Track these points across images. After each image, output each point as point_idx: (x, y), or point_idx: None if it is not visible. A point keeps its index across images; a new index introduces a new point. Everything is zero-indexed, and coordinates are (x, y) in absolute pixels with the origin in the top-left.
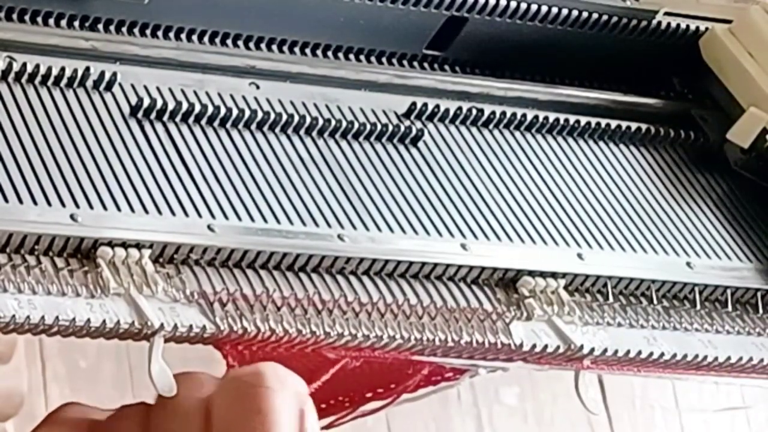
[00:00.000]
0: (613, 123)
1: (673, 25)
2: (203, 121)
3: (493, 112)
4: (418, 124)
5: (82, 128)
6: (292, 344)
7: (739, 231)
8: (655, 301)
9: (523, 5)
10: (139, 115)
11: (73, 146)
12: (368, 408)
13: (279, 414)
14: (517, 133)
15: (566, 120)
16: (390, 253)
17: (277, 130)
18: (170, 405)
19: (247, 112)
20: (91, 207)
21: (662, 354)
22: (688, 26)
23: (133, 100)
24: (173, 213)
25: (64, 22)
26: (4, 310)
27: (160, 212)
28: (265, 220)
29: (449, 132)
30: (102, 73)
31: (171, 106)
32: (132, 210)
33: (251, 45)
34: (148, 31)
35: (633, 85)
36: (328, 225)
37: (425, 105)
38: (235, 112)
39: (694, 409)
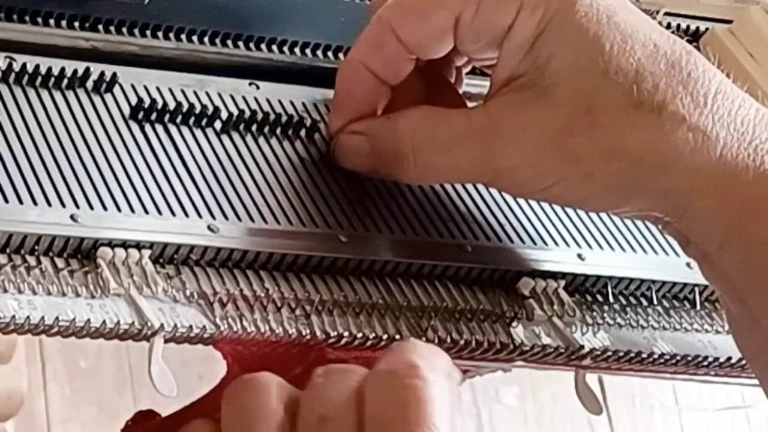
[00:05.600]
0: None
1: (674, 25)
2: (203, 122)
3: None
4: None
5: (82, 129)
6: (292, 344)
7: None
8: (655, 301)
9: None
10: (139, 115)
11: (74, 147)
12: None
13: (436, 403)
14: None
15: None
16: (390, 253)
17: (278, 130)
18: (319, 395)
19: (247, 112)
20: (91, 207)
21: (662, 354)
22: (688, 26)
23: (134, 101)
24: (173, 213)
25: (64, 22)
26: (4, 311)
27: (160, 213)
28: (265, 221)
29: None
30: (102, 74)
31: (171, 106)
32: (132, 210)
33: (251, 45)
34: (148, 31)
35: None
36: (328, 225)
37: None
38: (235, 112)
39: (694, 408)
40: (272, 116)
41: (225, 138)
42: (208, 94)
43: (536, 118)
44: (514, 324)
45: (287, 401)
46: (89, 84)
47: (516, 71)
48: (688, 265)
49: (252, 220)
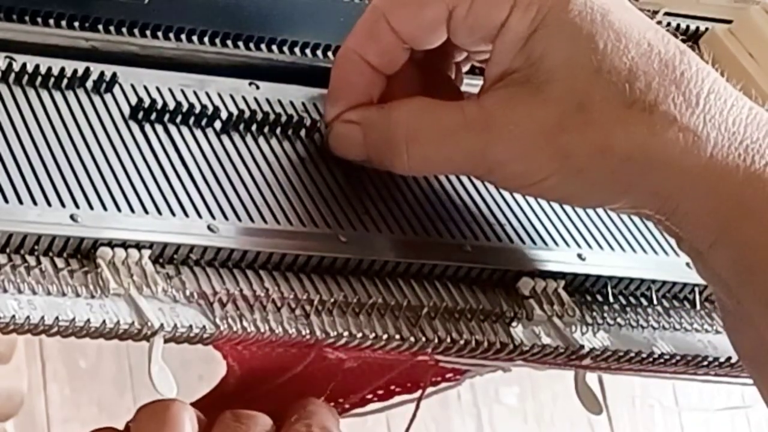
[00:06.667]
0: None
1: (673, 25)
2: (203, 122)
3: None
4: None
5: (82, 129)
6: (292, 344)
7: None
8: (655, 301)
9: None
10: (139, 115)
11: (73, 147)
12: (368, 408)
13: None
14: None
15: None
16: (390, 253)
17: (278, 130)
18: None
19: (247, 112)
20: (91, 207)
21: (662, 354)
22: (688, 26)
23: (133, 101)
24: (173, 213)
25: (64, 22)
26: (4, 311)
27: (160, 212)
28: (265, 221)
29: None
30: (102, 74)
31: (171, 106)
32: (132, 210)
33: (251, 45)
34: (148, 31)
35: None
36: (328, 225)
37: None
38: (235, 112)
39: (694, 408)
40: (272, 116)
41: (225, 138)
42: (208, 94)
43: (529, 114)
44: (514, 324)
45: None
46: (89, 84)
47: (510, 67)
48: (687, 265)
49: (252, 220)
